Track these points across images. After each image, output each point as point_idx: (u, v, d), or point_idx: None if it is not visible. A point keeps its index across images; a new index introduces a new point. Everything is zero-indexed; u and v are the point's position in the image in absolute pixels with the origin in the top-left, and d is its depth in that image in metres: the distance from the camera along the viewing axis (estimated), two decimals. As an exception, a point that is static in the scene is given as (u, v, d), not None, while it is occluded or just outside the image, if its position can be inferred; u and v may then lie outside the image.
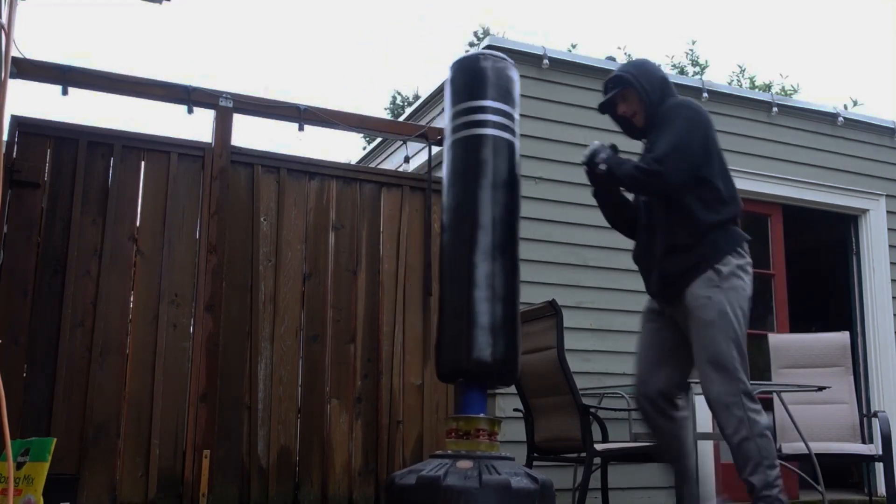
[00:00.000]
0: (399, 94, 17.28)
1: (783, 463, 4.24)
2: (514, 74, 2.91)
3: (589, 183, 3.04)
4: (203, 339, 3.85)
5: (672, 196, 2.86)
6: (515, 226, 2.76)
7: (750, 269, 2.87)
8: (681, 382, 2.97)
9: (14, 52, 3.07)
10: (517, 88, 2.90)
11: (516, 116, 2.85)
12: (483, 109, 2.77)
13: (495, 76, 2.83)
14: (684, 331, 2.87)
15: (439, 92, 5.28)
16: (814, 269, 7.30)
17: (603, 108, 3.12)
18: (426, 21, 28.93)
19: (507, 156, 2.77)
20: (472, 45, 16.27)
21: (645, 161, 2.80)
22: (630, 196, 3.14)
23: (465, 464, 2.37)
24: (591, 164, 2.92)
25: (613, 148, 2.96)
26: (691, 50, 16.50)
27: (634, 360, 3.04)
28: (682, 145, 2.82)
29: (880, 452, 4.26)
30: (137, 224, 3.88)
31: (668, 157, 2.78)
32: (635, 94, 3.00)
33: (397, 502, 2.41)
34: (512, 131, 2.81)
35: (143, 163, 3.94)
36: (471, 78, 2.85)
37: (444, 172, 2.84)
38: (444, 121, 2.95)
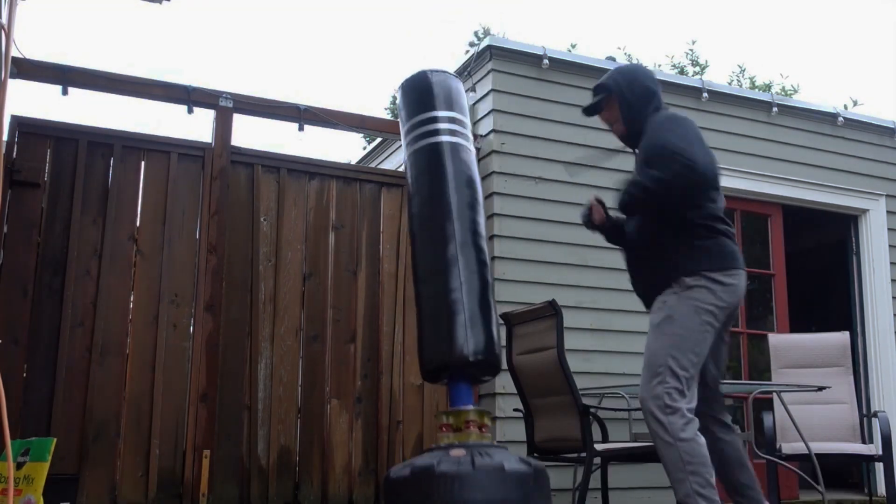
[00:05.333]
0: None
1: (783, 463, 4.26)
2: (459, 84, 3.07)
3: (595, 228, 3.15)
4: (203, 339, 3.85)
5: (668, 210, 2.82)
6: (479, 222, 2.83)
7: (724, 282, 2.79)
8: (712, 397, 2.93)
9: (14, 52, 3.07)
10: (463, 97, 3.06)
11: (466, 122, 2.99)
12: (434, 119, 2.90)
13: (441, 88, 2.97)
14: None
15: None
16: (814, 269, 7.30)
17: (587, 112, 3.12)
18: (418, 30, 28.95)
19: (463, 158, 2.88)
20: (472, 44, 16.26)
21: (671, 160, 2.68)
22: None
23: (458, 452, 2.39)
24: (592, 218, 3.02)
25: (601, 202, 3.09)
26: (691, 50, 16.45)
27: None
28: (693, 138, 2.76)
29: (880, 452, 4.26)
30: (137, 224, 3.88)
31: (686, 147, 2.68)
32: (615, 103, 3.00)
33: (393, 495, 2.43)
34: (463, 135, 2.94)
35: (143, 163, 3.94)
36: (419, 93, 2.99)
37: (407, 182, 2.96)
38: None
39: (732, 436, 2.91)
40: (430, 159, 2.87)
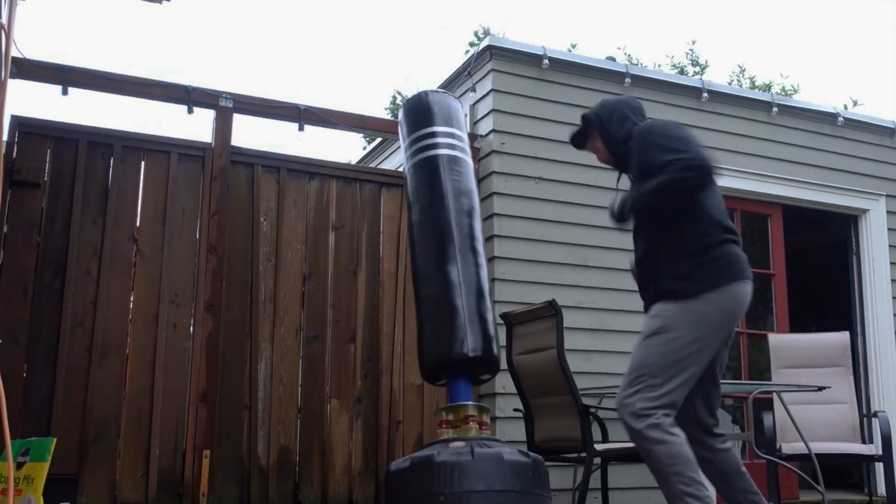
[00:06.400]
0: (399, 94, 17.27)
1: (783, 463, 4.26)
2: (456, 103, 3.30)
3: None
4: (203, 339, 3.85)
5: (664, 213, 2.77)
6: (475, 227, 2.99)
7: (730, 293, 2.71)
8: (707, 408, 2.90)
9: (14, 52, 3.07)
10: (460, 114, 3.27)
11: (464, 136, 3.20)
12: (433, 135, 3.10)
13: (439, 106, 3.19)
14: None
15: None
16: (814, 269, 7.30)
17: (575, 143, 3.16)
18: (419, 30, 28.97)
19: (460, 169, 3.07)
20: (472, 44, 16.24)
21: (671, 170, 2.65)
22: None
23: (457, 444, 2.42)
24: (619, 220, 2.87)
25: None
26: (691, 50, 16.45)
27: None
28: (677, 136, 2.73)
29: (880, 452, 4.26)
30: (137, 224, 3.88)
31: (681, 150, 2.66)
32: (597, 133, 3.03)
33: (394, 486, 2.46)
34: (461, 149, 3.13)
35: (143, 163, 3.94)
36: (418, 111, 3.20)
37: (408, 194, 3.12)
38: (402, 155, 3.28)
39: (727, 444, 2.89)
40: (428, 170, 3.04)
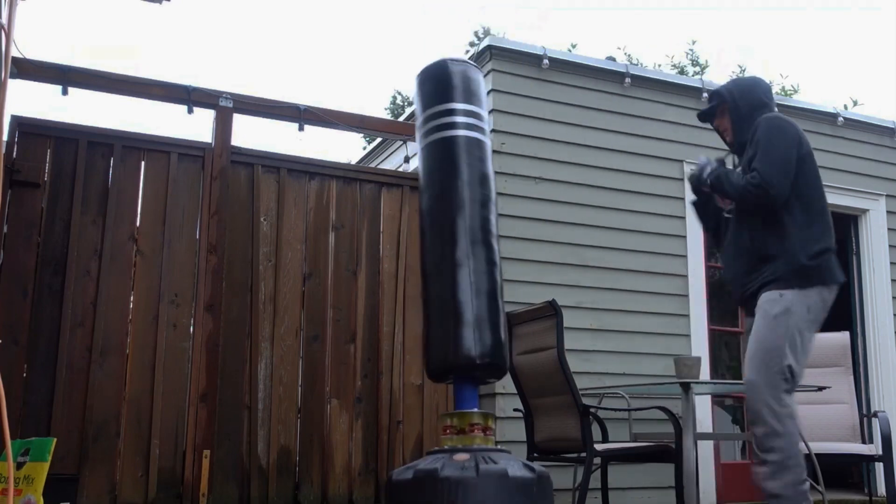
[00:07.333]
0: (399, 94, 17.28)
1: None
2: (479, 76, 2.99)
3: (693, 193, 3.24)
4: (203, 339, 3.85)
5: (766, 213, 2.93)
6: (491, 220, 2.80)
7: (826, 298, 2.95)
8: None
9: (14, 52, 3.07)
10: (482, 88, 2.97)
11: (484, 115, 2.92)
12: (451, 112, 2.84)
13: (461, 79, 2.89)
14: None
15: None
16: (814, 269, 7.27)
17: (702, 118, 3.26)
18: (427, 19, 28.96)
19: (479, 154, 2.83)
20: (472, 44, 16.25)
21: (751, 175, 2.89)
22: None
23: (461, 456, 2.39)
24: (697, 183, 3.11)
25: (721, 162, 3.11)
26: (691, 50, 16.46)
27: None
28: (776, 157, 2.91)
29: (880, 452, 4.26)
30: (137, 224, 3.88)
31: (767, 170, 2.87)
32: (727, 112, 3.12)
33: (396, 498, 2.43)
34: (481, 130, 2.88)
35: (143, 163, 3.94)
36: (437, 83, 2.91)
37: (419, 176, 2.91)
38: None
39: None
40: (443, 153, 2.80)
